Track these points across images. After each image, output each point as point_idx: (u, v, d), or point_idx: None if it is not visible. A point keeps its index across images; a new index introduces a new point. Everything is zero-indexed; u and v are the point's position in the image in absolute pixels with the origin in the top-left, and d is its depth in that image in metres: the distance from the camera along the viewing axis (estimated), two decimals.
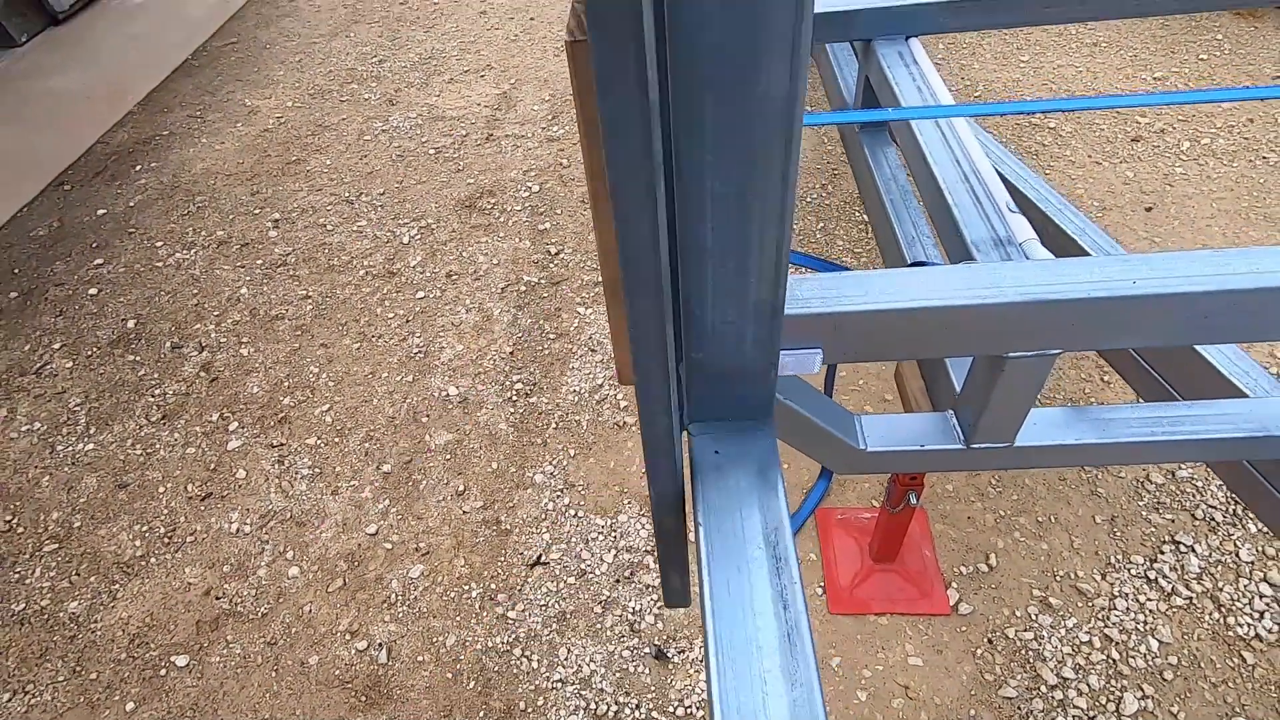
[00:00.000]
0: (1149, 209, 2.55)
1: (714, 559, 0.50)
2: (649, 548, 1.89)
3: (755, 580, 0.48)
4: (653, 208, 0.35)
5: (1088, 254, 1.33)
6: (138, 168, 3.32)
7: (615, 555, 1.88)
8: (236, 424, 2.27)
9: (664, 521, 0.60)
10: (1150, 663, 1.58)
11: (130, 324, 2.62)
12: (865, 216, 2.68)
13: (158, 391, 2.39)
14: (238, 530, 2.02)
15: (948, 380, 1.18)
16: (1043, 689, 1.56)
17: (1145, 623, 1.63)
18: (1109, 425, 1.07)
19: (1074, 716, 1.52)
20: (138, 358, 2.51)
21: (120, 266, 2.85)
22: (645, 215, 0.35)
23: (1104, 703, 1.53)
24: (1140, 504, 1.83)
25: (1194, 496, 1.83)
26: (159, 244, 2.93)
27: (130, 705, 1.72)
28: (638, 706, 1.63)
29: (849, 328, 0.77)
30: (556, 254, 2.70)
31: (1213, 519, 1.78)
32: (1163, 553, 1.73)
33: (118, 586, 1.94)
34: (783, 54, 0.32)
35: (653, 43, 0.28)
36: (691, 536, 0.57)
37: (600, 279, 2.59)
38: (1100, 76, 3.11)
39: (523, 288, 2.59)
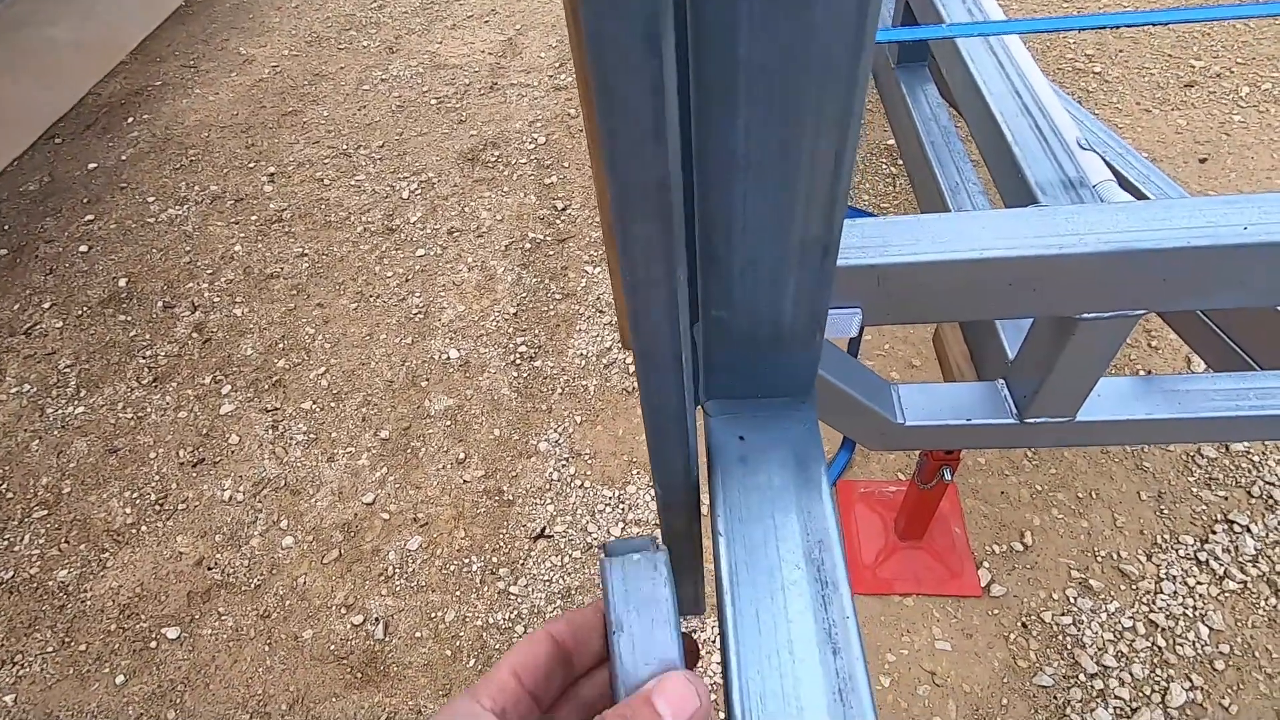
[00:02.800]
0: (1203, 160, 2.35)
1: (739, 583, 0.37)
2: (659, 521, 1.79)
3: (794, 613, 0.36)
4: (657, 76, 0.22)
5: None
6: (129, 120, 3.19)
7: (623, 528, 1.78)
8: (229, 387, 2.18)
9: (673, 524, 0.48)
10: (1200, 651, 1.46)
11: (121, 283, 2.52)
12: (892, 169, 2.50)
13: (149, 353, 2.30)
14: (230, 498, 1.94)
15: (998, 345, 1.04)
16: (1081, 678, 1.46)
17: (1195, 608, 1.51)
18: (1186, 398, 0.93)
19: (1115, 708, 1.41)
20: (129, 318, 2.41)
21: (111, 223, 2.74)
22: (644, 92, 0.23)
23: (1148, 693, 1.42)
24: (1190, 479, 1.69)
25: (1250, 472, 1.69)
26: (151, 199, 2.81)
27: (120, 678, 1.66)
28: None
29: (896, 282, 0.64)
30: (563, 210, 2.56)
31: (1271, 496, 1.64)
32: (1215, 533, 1.61)
33: (108, 555, 1.87)
34: None
35: None
36: (708, 543, 0.46)
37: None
38: None
39: (527, 245, 2.45)
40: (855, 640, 0.36)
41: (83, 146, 3.09)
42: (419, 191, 2.68)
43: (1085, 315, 0.74)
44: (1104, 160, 1.15)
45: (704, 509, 0.47)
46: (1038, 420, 0.89)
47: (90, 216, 2.77)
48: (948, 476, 1.36)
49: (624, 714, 0.33)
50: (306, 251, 2.53)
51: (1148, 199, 1.19)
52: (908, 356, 2.04)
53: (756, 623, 0.36)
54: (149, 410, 2.15)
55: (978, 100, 1.02)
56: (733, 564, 0.38)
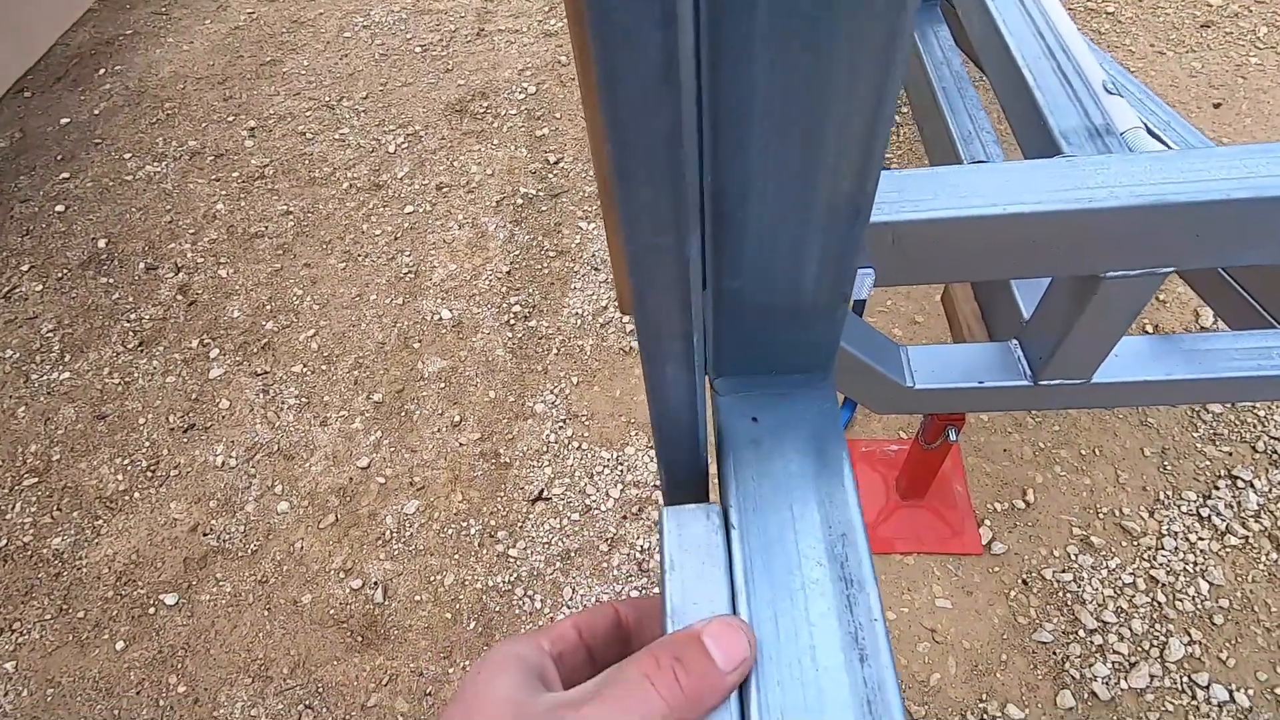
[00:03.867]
0: (1217, 105, 2.27)
1: (754, 583, 0.34)
2: (658, 482, 1.77)
3: (816, 615, 0.33)
4: (669, 4, 0.17)
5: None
6: (101, 71, 3.06)
7: (622, 490, 1.76)
8: (218, 350, 2.13)
9: None
10: (1199, 606, 1.46)
11: (101, 243, 2.44)
12: (897, 113, 2.42)
13: (133, 316, 2.24)
14: (223, 463, 1.91)
15: (1011, 303, 1.00)
16: (1081, 633, 1.46)
17: (1195, 563, 1.51)
18: (1206, 357, 0.89)
19: (1114, 663, 1.42)
20: (111, 280, 2.35)
21: (88, 181, 2.64)
22: (652, 23, 0.18)
23: (1147, 648, 1.43)
24: (1195, 435, 1.68)
25: (1255, 428, 1.67)
26: (127, 155, 2.70)
27: (120, 644, 1.66)
28: None
29: (912, 241, 0.60)
30: (556, 163, 2.47)
31: (1275, 451, 1.63)
32: (1218, 488, 1.59)
33: (101, 522, 1.85)
34: None
35: None
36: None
37: None
38: None
39: (520, 200, 2.38)
40: (884, 645, 0.32)
41: (54, 100, 2.97)
42: (405, 145, 2.59)
43: (1110, 274, 0.70)
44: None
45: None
46: (1052, 382, 0.85)
47: (65, 174, 2.67)
48: (953, 437, 1.33)
49: (672, 649, 0.32)
50: (291, 209, 2.45)
51: (1171, 147, 1.14)
52: (911, 312, 2.00)
53: (775, 628, 0.33)
54: (136, 375, 2.11)
55: (998, 41, 0.95)
56: (747, 561, 0.35)
